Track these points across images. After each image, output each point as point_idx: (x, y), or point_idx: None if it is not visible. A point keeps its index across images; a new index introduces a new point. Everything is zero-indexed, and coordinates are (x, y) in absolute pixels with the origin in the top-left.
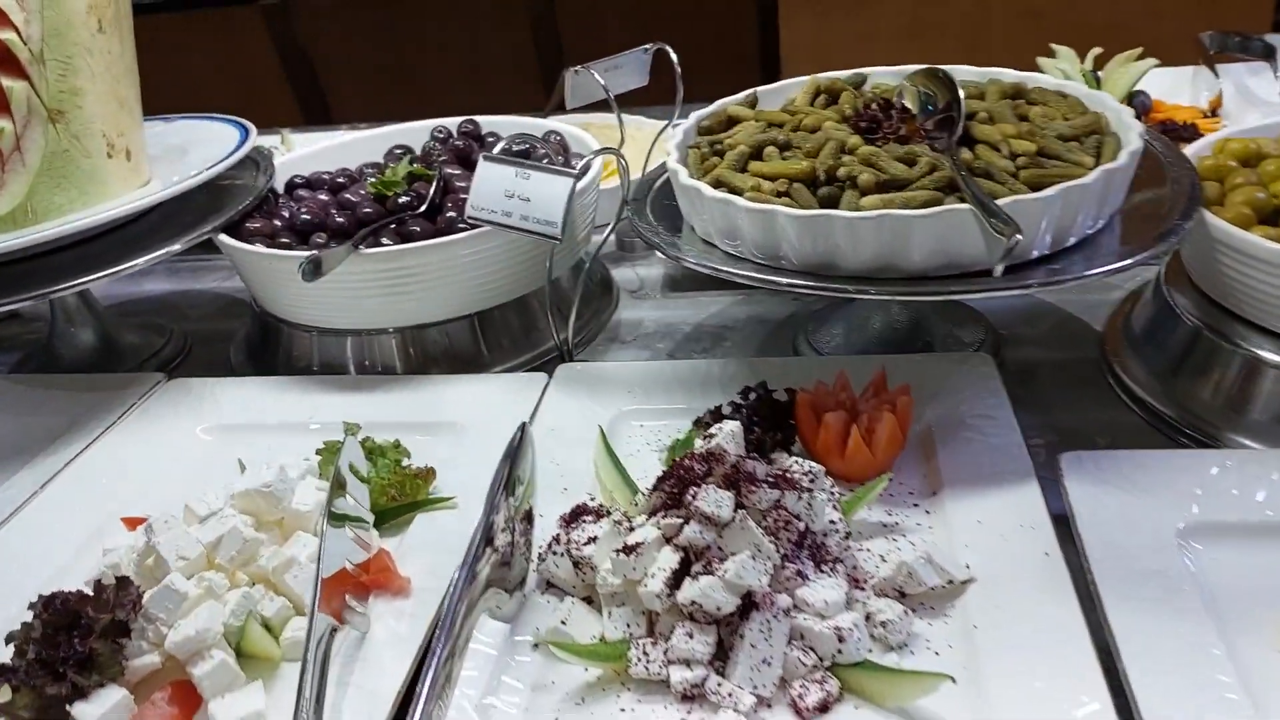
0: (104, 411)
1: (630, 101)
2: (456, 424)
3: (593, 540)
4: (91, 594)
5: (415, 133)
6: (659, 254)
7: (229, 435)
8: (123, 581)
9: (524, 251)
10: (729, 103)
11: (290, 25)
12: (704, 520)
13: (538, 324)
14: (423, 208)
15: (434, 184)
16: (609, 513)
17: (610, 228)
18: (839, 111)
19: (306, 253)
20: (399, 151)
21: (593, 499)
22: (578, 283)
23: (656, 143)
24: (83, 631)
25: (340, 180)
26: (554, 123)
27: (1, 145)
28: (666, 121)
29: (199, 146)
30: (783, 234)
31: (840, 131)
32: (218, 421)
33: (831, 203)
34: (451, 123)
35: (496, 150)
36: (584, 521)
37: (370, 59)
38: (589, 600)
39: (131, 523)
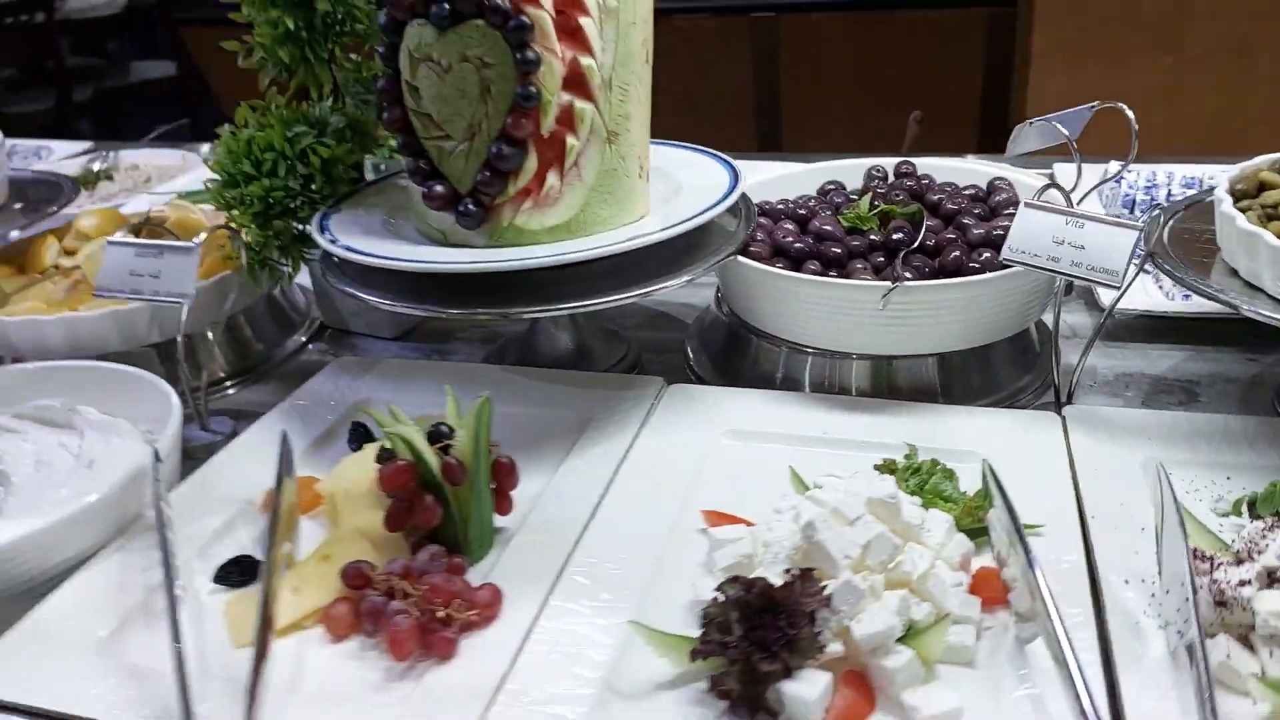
0: (627, 410)
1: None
2: (975, 454)
3: (1245, 583)
4: (783, 584)
5: (841, 170)
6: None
7: (752, 442)
8: (806, 574)
9: (1026, 293)
10: (1249, 167)
11: None
12: None
13: (998, 365)
14: (916, 245)
15: (921, 222)
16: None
17: (1132, 277)
18: None
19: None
20: (830, 186)
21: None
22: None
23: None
24: (788, 617)
25: (801, 211)
26: (994, 168)
27: (567, 160)
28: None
29: (681, 170)
30: None
31: None
32: (735, 428)
33: None
34: (887, 163)
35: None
36: (1221, 564)
37: None
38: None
39: (713, 516)
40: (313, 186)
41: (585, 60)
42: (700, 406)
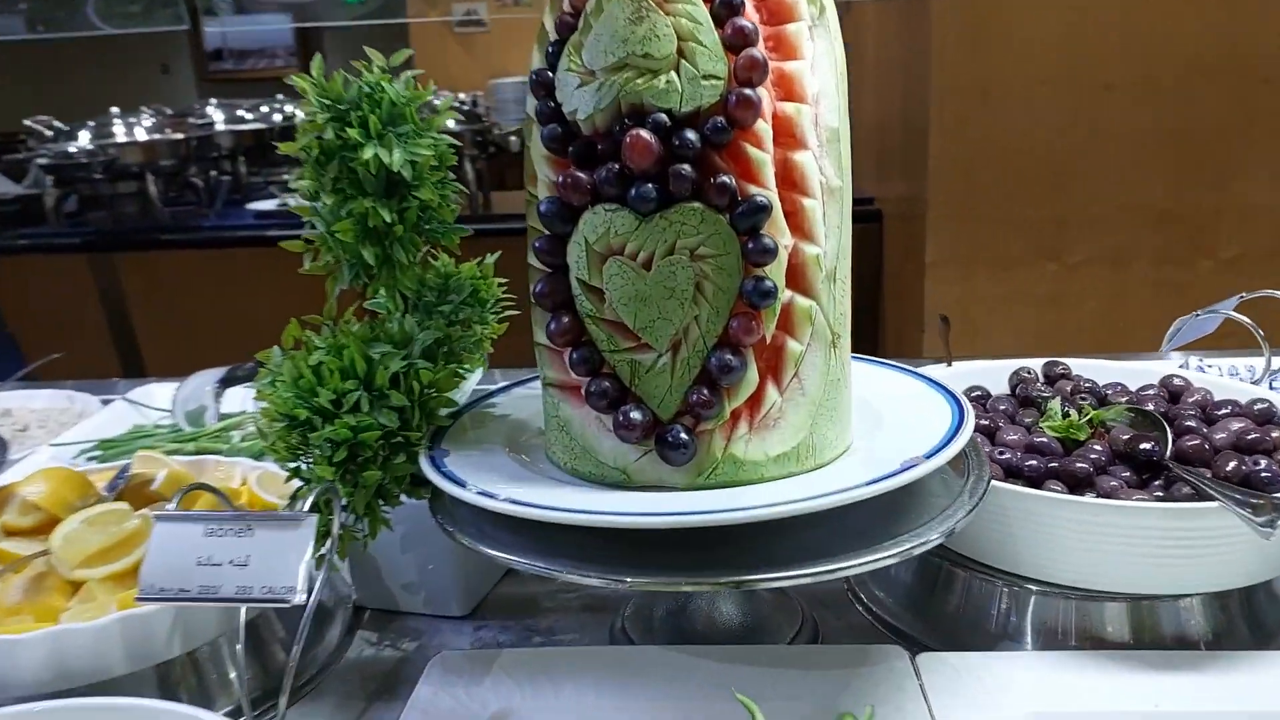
0: (888, 694)
1: None
2: None
3: None
4: None
5: (984, 373)
6: None
7: None
8: None
9: None
10: None
11: None
12: None
13: (1266, 608)
14: (1170, 454)
15: (1164, 429)
16: None
17: None
18: None
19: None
20: (979, 393)
21: None
22: None
23: None
24: None
25: (983, 423)
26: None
27: (785, 370)
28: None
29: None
30: None
31: None
32: (1035, 709)
33: None
34: (1034, 364)
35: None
36: None
37: None
38: None
39: None
40: (411, 423)
41: (810, 249)
42: (975, 680)
